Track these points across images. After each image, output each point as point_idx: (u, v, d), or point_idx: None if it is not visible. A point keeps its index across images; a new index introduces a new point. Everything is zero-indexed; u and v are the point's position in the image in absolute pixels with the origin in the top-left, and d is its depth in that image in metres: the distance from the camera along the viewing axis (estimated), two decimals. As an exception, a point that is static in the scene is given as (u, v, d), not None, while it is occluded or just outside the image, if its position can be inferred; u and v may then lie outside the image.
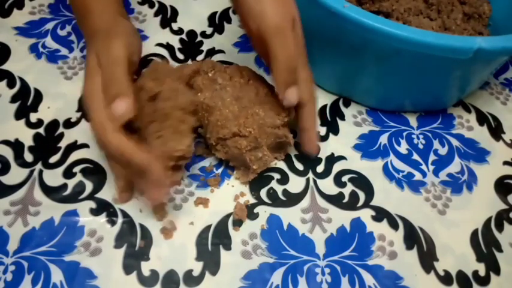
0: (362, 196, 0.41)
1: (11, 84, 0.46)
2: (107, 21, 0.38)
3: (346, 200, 0.41)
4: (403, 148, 0.46)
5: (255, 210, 0.39)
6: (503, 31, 0.45)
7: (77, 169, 0.40)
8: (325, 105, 0.48)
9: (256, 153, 0.38)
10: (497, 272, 0.38)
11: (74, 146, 0.42)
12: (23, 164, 0.40)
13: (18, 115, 0.43)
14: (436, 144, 0.46)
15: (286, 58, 0.35)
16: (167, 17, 0.55)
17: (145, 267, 0.35)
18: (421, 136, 0.47)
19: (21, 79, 0.46)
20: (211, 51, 0.52)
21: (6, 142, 0.41)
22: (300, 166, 0.43)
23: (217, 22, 0.56)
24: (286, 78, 0.36)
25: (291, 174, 0.42)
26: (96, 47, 0.36)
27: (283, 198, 0.41)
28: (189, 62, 0.51)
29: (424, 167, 0.44)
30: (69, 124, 0.43)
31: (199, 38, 0.53)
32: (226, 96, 0.39)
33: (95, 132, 0.33)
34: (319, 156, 0.44)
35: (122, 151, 0.33)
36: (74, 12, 0.42)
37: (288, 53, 0.35)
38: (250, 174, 0.40)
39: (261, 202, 0.40)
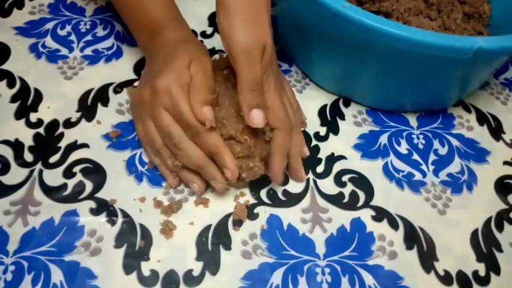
0: (362, 196, 0.41)
1: (11, 84, 0.46)
2: (190, 34, 0.43)
3: (346, 200, 0.41)
4: (403, 148, 0.46)
5: (255, 211, 0.39)
6: (503, 31, 0.45)
7: (76, 169, 0.40)
8: (325, 105, 0.48)
9: (248, 162, 0.38)
10: (497, 272, 0.38)
11: (74, 146, 0.42)
12: (23, 164, 0.40)
13: (18, 115, 0.43)
14: (436, 144, 0.46)
15: (251, 79, 0.35)
16: (167, 17, 0.55)
17: (145, 267, 0.35)
18: (421, 136, 0.47)
19: (21, 79, 0.46)
20: (212, 51, 0.52)
21: (6, 142, 0.41)
22: (300, 166, 0.43)
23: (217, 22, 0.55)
24: (249, 100, 0.35)
25: (291, 174, 0.42)
26: (190, 52, 0.39)
27: (283, 198, 0.41)
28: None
29: (424, 167, 0.44)
30: (69, 124, 0.43)
31: (199, 38, 0.53)
32: (236, 96, 0.39)
33: (186, 116, 0.36)
34: (319, 156, 0.44)
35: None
36: (135, 27, 0.44)
37: (252, 75, 0.35)
38: (240, 182, 0.39)
39: (261, 202, 0.40)
